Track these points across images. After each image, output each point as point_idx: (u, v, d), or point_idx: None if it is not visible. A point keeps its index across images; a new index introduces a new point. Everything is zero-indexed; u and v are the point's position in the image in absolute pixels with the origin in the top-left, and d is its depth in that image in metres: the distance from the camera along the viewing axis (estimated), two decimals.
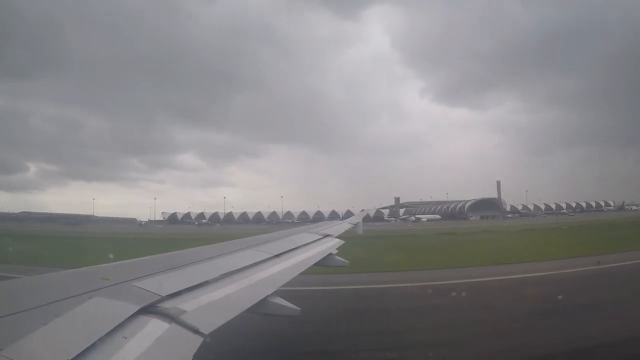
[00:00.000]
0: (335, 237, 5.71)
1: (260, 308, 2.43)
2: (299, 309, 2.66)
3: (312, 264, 3.90)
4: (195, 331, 1.75)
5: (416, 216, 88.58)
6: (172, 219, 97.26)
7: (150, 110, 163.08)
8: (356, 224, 9.09)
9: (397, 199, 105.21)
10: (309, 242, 4.81)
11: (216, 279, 2.50)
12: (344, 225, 7.86)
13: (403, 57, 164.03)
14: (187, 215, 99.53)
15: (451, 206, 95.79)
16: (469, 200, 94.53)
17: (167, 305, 1.89)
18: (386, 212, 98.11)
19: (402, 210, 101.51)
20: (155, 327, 1.69)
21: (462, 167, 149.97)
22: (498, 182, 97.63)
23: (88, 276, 2.17)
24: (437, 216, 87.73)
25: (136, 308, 1.74)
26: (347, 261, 4.67)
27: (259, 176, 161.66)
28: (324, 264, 4.31)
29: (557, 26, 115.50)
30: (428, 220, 79.41)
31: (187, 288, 2.18)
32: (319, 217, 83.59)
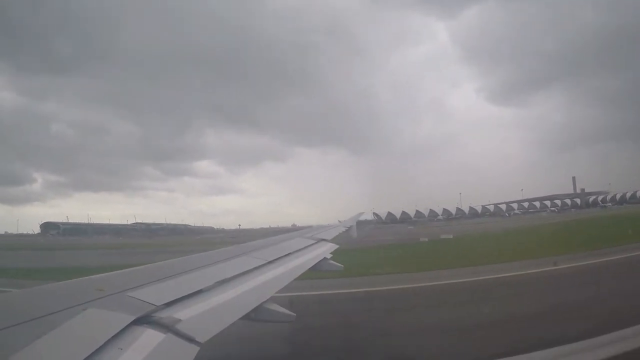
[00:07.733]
0: (329, 242, 5.74)
1: (256, 315, 2.43)
2: (295, 314, 2.68)
3: (307, 269, 3.92)
4: (191, 340, 1.75)
5: None
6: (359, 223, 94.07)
7: (189, 111, 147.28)
8: (350, 227, 9.17)
9: (583, 190, 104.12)
10: (303, 247, 4.83)
11: (211, 287, 2.50)
12: (338, 229, 7.92)
13: (464, 55, 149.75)
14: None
15: None
16: None
17: (162, 314, 1.89)
18: (558, 202, 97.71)
19: (547, 203, 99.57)
20: (150, 337, 1.68)
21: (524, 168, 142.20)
22: (573, 178, 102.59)
23: (82, 287, 2.16)
24: None
25: (131, 318, 1.73)
26: (342, 265, 4.68)
27: (273, 183, 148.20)
28: (318, 269, 4.33)
29: (619, 27, 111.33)
30: None
31: (182, 297, 2.17)
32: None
